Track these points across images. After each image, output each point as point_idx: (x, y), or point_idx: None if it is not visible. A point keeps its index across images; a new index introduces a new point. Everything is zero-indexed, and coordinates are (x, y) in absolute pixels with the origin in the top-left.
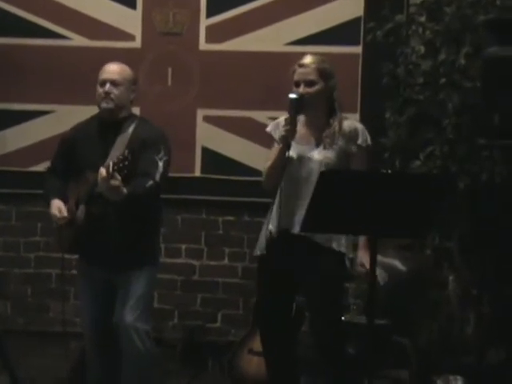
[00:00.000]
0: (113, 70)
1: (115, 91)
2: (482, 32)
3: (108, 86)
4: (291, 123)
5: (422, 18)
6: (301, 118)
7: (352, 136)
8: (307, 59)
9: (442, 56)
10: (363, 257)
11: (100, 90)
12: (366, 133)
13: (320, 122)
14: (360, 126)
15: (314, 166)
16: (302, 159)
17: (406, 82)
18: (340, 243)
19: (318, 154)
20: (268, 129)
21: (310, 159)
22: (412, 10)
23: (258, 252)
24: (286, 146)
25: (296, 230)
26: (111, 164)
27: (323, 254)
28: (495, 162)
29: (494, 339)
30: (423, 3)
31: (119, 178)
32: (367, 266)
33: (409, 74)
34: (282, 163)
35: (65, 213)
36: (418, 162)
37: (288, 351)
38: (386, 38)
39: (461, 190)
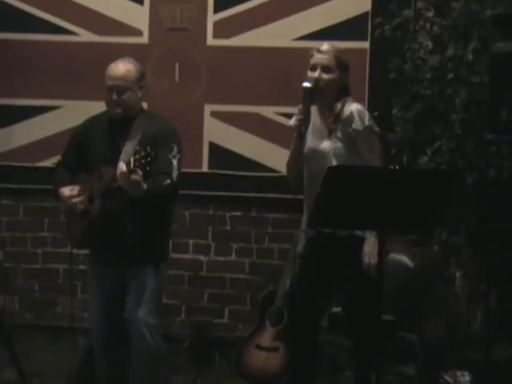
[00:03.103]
0: (117, 75)
1: (123, 97)
2: (490, 27)
3: (115, 94)
4: (304, 112)
5: (430, 14)
6: (316, 110)
7: (348, 120)
8: (327, 46)
9: (449, 51)
10: (367, 247)
11: (108, 95)
12: (364, 114)
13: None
14: (355, 109)
15: (326, 157)
16: (315, 152)
17: (414, 78)
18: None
19: (327, 145)
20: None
21: (322, 152)
22: (419, 5)
23: (298, 249)
24: (299, 136)
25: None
26: (132, 159)
27: (354, 249)
28: (503, 158)
29: (501, 335)
30: None
31: (140, 173)
32: (367, 258)
33: (416, 69)
34: (298, 154)
35: (77, 192)
36: (425, 158)
37: (315, 345)
38: (394, 33)
39: (468, 185)
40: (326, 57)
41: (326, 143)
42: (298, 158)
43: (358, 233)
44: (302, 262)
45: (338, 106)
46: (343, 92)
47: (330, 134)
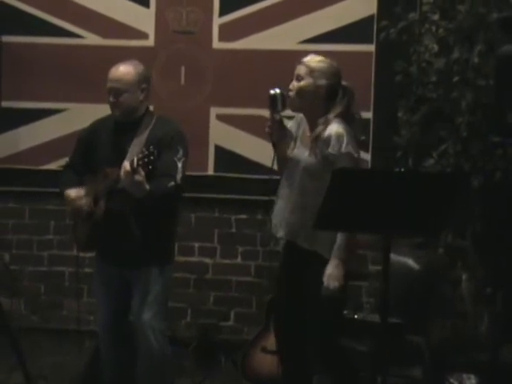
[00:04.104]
0: (115, 77)
1: (120, 99)
2: (496, 30)
3: (112, 96)
4: (271, 120)
5: (435, 16)
6: (304, 119)
7: (326, 142)
8: (305, 57)
9: (455, 54)
10: (328, 269)
11: (108, 97)
12: (343, 139)
13: (316, 123)
14: (334, 133)
15: (302, 170)
16: (296, 160)
17: (419, 81)
18: (324, 248)
19: (305, 159)
20: (288, 125)
21: (300, 163)
22: (425, 8)
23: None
24: (272, 145)
25: (279, 233)
26: (136, 159)
27: (310, 264)
28: (509, 160)
29: (507, 337)
30: (436, 1)
31: (143, 173)
32: (326, 280)
33: (422, 72)
34: (279, 158)
35: (82, 193)
36: (431, 161)
37: (301, 350)
38: (399, 36)
39: (474, 188)
40: (300, 66)
41: (305, 157)
42: (281, 161)
43: (320, 251)
44: (280, 268)
45: (320, 127)
46: (328, 100)
47: (311, 149)
